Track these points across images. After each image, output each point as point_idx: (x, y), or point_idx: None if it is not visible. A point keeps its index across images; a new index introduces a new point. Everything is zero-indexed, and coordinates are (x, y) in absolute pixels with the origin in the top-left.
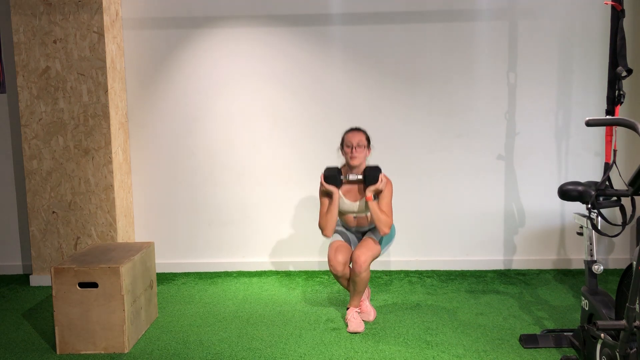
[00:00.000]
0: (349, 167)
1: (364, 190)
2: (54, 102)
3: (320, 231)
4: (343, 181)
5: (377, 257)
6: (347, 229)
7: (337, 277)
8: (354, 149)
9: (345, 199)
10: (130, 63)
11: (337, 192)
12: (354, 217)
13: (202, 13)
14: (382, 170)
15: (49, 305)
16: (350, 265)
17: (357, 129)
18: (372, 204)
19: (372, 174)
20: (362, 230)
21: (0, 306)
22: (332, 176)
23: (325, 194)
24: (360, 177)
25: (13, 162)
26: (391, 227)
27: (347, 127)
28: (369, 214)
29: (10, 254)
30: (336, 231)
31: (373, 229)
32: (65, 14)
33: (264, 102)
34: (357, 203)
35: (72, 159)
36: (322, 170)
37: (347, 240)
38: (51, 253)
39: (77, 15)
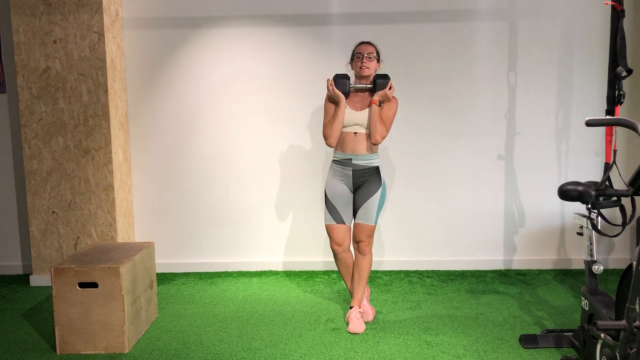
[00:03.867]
0: (358, 78)
1: (371, 97)
2: (54, 102)
3: (324, 139)
4: (351, 90)
5: (372, 231)
6: (339, 165)
7: (336, 260)
8: (364, 58)
9: (349, 108)
10: (130, 63)
11: (344, 100)
12: (355, 134)
13: (202, 13)
14: (387, 188)
15: (49, 305)
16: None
17: (368, 42)
18: (375, 109)
19: (381, 81)
20: (357, 166)
21: (0, 306)
22: (341, 82)
23: (331, 101)
24: (369, 85)
25: (13, 162)
26: (382, 186)
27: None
28: (368, 132)
29: (10, 254)
30: (327, 200)
31: (365, 183)
32: (65, 14)
33: (264, 101)
34: (360, 113)
35: (72, 159)
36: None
37: (340, 219)
38: (51, 253)
39: (77, 15)
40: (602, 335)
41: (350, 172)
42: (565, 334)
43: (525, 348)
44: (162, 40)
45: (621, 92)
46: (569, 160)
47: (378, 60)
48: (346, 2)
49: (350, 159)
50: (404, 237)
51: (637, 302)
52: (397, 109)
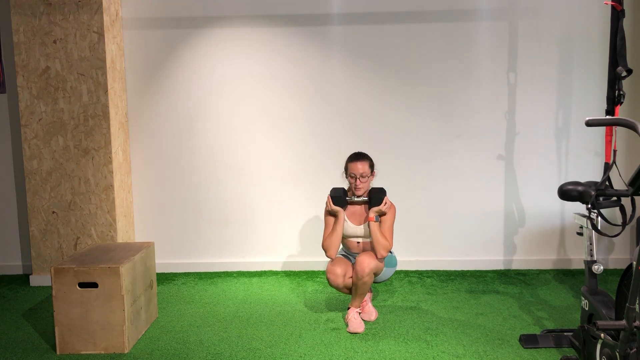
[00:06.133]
0: (353, 192)
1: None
2: (54, 102)
3: (324, 252)
4: (348, 202)
5: (379, 271)
6: (350, 255)
7: (337, 289)
8: (358, 180)
9: (350, 222)
10: (130, 63)
11: (343, 213)
12: (357, 243)
13: (202, 13)
14: (387, 191)
15: (49, 305)
16: (352, 275)
17: (361, 157)
18: (373, 225)
19: (376, 196)
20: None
21: (0, 306)
22: (338, 197)
23: (330, 214)
24: (365, 198)
25: (13, 162)
26: (393, 258)
27: (351, 153)
28: (371, 240)
29: (10, 254)
30: (338, 254)
31: None
32: (65, 14)
33: (263, 102)
34: (361, 227)
35: (72, 159)
36: (327, 188)
37: (347, 257)
38: (51, 253)
39: (77, 15)
40: (602, 335)
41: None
42: (565, 334)
43: (525, 348)
44: (162, 40)
45: (621, 92)
46: (569, 160)
47: (372, 172)
48: (346, 2)
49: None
50: (404, 237)
51: (637, 302)
52: (395, 216)
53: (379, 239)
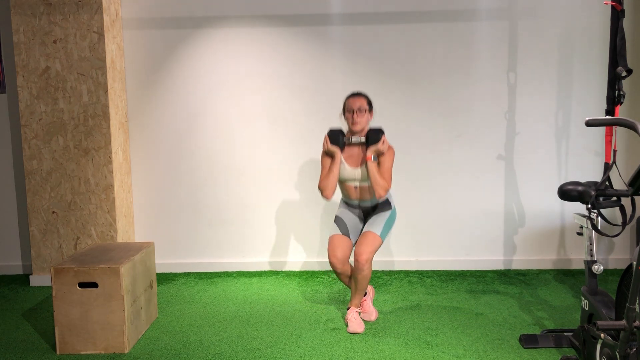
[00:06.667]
0: (351, 132)
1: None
2: (54, 102)
3: (320, 193)
4: (345, 143)
5: (379, 247)
6: (348, 205)
7: (336, 274)
8: (355, 114)
9: (347, 165)
10: (130, 63)
11: (340, 153)
12: (355, 187)
13: (202, 13)
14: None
15: (49, 305)
16: (352, 263)
17: (358, 94)
18: (371, 165)
19: (374, 136)
20: (365, 206)
21: (0, 306)
22: (335, 136)
23: (327, 155)
24: (362, 139)
25: (13, 162)
26: (392, 210)
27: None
28: (370, 184)
29: (10, 254)
30: (336, 218)
31: (375, 210)
32: (65, 14)
33: (263, 102)
34: (359, 170)
35: (72, 159)
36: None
37: (346, 232)
38: (51, 253)
39: (77, 15)
40: (602, 335)
41: (360, 211)
42: (565, 334)
43: (525, 348)
44: (162, 40)
45: (621, 92)
46: (569, 160)
47: (370, 111)
48: (346, 2)
49: (358, 204)
50: (403, 237)
51: (637, 302)
52: (393, 158)
53: (377, 179)
